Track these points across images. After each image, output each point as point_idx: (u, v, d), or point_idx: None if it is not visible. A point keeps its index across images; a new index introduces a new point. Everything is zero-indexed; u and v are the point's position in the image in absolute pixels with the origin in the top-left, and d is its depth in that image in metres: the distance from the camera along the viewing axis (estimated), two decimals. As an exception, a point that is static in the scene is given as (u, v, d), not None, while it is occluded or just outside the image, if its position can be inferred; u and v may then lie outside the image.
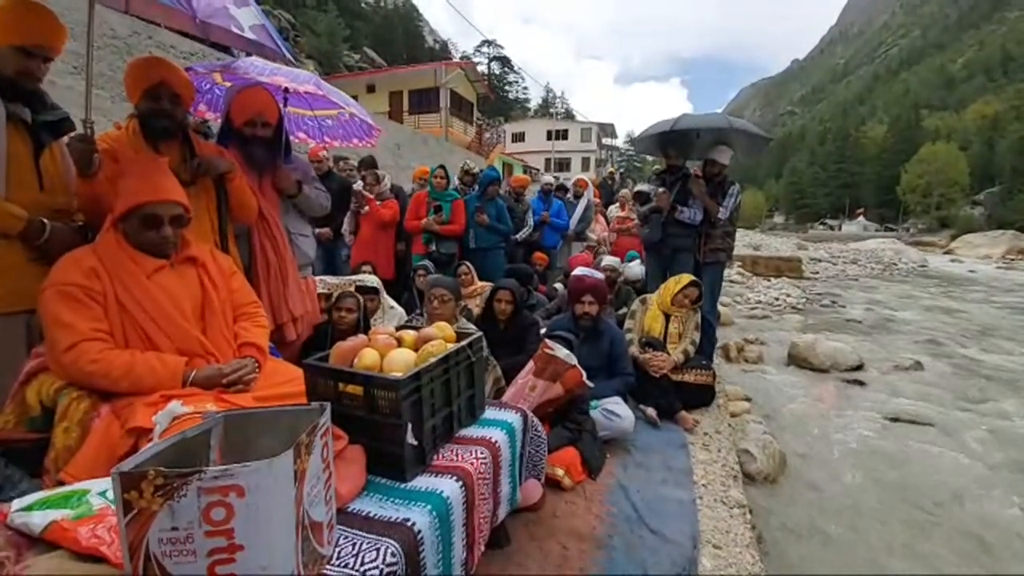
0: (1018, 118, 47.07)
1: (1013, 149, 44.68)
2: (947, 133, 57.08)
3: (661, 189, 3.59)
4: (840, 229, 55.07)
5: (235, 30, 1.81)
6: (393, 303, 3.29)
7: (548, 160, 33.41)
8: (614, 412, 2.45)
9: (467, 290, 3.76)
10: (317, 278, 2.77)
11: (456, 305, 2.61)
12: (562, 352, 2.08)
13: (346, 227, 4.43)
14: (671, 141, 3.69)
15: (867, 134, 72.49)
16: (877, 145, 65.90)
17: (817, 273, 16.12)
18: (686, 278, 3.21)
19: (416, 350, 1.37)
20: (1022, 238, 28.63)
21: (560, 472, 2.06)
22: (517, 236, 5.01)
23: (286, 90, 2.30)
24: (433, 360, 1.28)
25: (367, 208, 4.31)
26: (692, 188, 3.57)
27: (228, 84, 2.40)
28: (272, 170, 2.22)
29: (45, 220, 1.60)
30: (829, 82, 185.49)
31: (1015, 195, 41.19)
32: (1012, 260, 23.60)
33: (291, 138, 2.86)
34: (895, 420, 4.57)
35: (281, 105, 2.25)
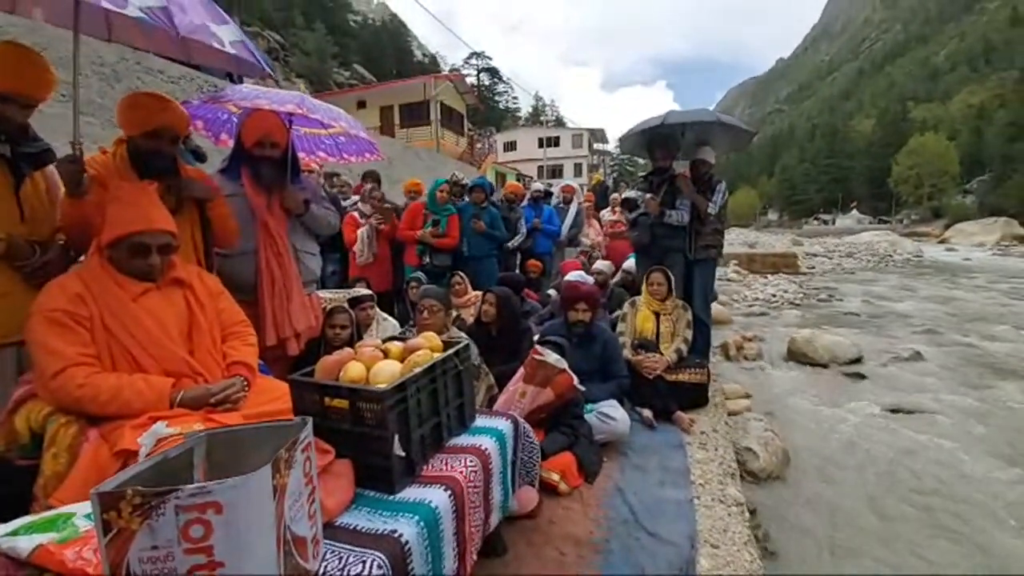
0: (1003, 106, 47.57)
1: (1001, 136, 45.09)
2: (934, 124, 57.51)
3: (649, 195, 3.63)
4: (834, 223, 55.30)
5: (216, 46, 1.84)
6: (386, 316, 3.30)
7: (541, 168, 33.57)
8: (609, 415, 2.45)
9: (460, 300, 3.77)
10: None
11: (447, 315, 2.62)
12: (552, 357, 2.08)
13: (362, 245, 4.19)
14: (657, 142, 3.73)
15: (855, 128, 73.20)
16: (866, 138, 66.52)
17: (813, 268, 16.16)
18: (653, 269, 3.30)
19: (403, 361, 1.38)
20: (1015, 224, 28.80)
21: (556, 477, 2.05)
22: (510, 244, 5.04)
23: (290, 113, 2.36)
24: (418, 370, 1.29)
25: (386, 224, 4.27)
26: (680, 186, 3.60)
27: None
28: (280, 189, 2.29)
29: (37, 243, 1.61)
30: (815, 79, 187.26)
31: (1005, 182, 41.46)
32: (1007, 246, 23.73)
33: (311, 158, 2.92)
34: (896, 411, 4.55)
35: (287, 127, 2.32)
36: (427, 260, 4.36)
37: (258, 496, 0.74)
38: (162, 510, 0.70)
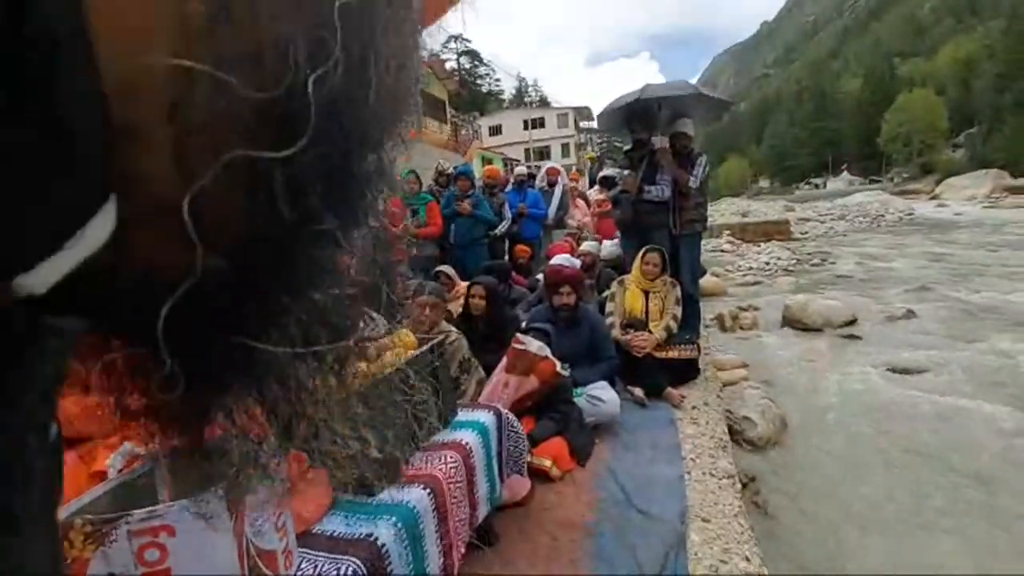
0: (991, 56, 47.05)
1: (989, 88, 44.72)
2: (922, 79, 57.04)
3: (627, 172, 3.59)
4: (825, 187, 55.24)
5: None
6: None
7: (528, 150, 33.25)
8: (598, 398, 2.45)
9: (449, 294, 3.75)
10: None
11: (444, 310, 2.59)
12: (534, 345, 2.07)
13: None
14: (635, 116, 3.67)
15: (843, 88, 72.58)
16: (854, 99, 65.97)
17: (806, 233, 16.16)
18: (649, 249, 3.25)
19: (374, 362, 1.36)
20: (1005, 176, 28.76)
21: (548, 463, 2.06)
22: (496, 231, 4.99)
23: None
24: (389, 370, 1.27)
25: None
26: (660, 159, 3.55)
27: None
28: None
29: None
30: (801, 41, 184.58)
31: (994, 134, 41.28)
32: (997, 199, 23.72)
33: None
34: (891, 371, 4.59)
35: None
36: (414, 252, 4.34)
37: (213, 515, 0.73)
38: (114, 536, 0.68)
